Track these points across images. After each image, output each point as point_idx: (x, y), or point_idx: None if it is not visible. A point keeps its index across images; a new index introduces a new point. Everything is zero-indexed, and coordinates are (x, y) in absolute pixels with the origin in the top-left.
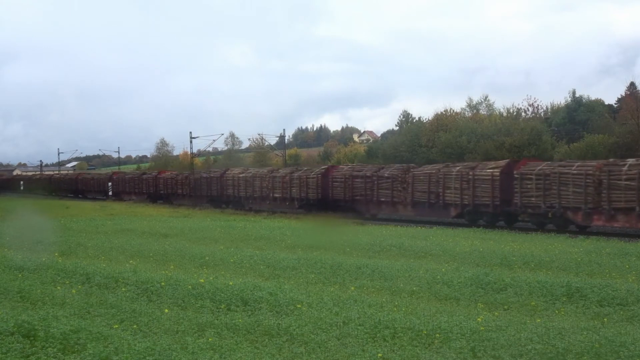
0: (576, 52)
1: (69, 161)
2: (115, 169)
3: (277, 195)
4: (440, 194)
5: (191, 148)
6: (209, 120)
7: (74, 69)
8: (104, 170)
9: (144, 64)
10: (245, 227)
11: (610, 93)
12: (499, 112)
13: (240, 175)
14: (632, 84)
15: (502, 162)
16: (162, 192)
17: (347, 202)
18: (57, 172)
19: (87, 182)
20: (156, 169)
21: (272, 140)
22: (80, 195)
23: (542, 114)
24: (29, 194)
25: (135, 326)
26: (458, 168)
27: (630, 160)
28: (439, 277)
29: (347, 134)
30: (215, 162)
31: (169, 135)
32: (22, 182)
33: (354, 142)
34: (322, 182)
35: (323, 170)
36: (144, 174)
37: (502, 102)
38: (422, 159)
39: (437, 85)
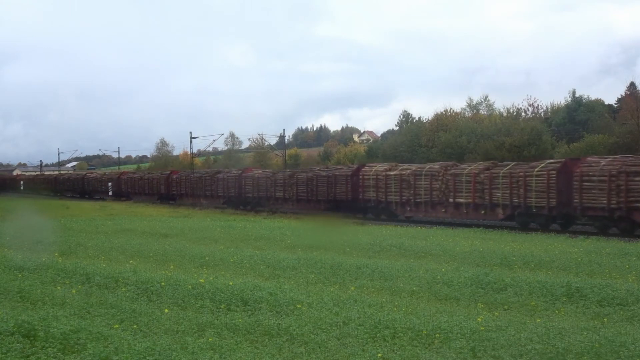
0: (576, 52)
1: (69, 161)
2: (115, 168)
3: (301, 196)
4: (487, 194)
5: (191, 148)
6: (209, 120)
7: (74, 69)
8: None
9: (144, 64)
10: (245, 227)
11: (610, 93)
12: (499, 112)
13: (261, 176)
14: (632, 84)
15: (559, 161)
16: (174, 192)
17: (380, 204)
18: (65, 171)
19: (94, 182)
20: (168, 168)
21: (272, 140)
22: (87, 196)
23: (542, 114)
24: (35, 194)
25: (135, 326)
26: (508, 167)
27: None
28: (439, 277)
29: (347, 134)
30: (215, 162)
31: (169, 135)
32: (22, 182)
33: (354, 142)
34: (352, 182)
35: (353, 168)
36: (151, 173)
37: (502, 102)
38: (422, 159)
39: (437, 85)
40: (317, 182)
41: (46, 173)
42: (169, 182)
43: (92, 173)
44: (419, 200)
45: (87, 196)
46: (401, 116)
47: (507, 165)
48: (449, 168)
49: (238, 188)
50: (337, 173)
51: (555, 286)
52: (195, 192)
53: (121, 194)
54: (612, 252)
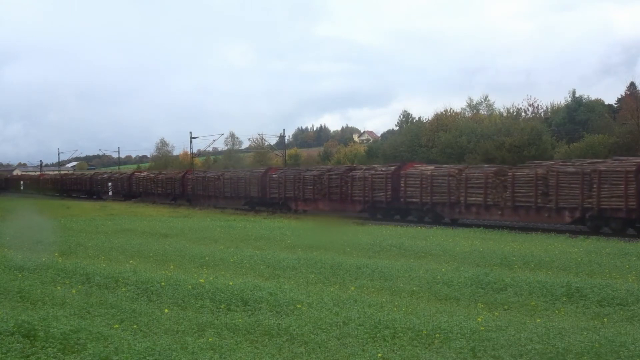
0: (577, 51)
1: (69, 161)
2: (115, 168)
3: (334, 197)
4: (552, 195)
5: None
6: (209, 120)
7: (74, 69)
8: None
9: (144, 64)
10: (245, 227)
11: (611, 93)
12: (499, 112)
13: (288, 174)
14: (632, 84)
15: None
16: (189, 192)
17: (425, 205)
18: (71, 171)
19: (106, 183)
20: (182, 168)
21: (272, 140)
22: (95, 197)
23: (542, 114)
24: (43, 195)
25: (135, 326)
26: (577, 165)
27: None
28: (439, 277)
29: (347, 134)
30: (215, 162)
31: (169, 135)
32: (22, 182)
33: (354, 142)
34: (393, 181)
35: (392, 168)
36: (166, 172)
37: (502, 102)
38: (422, 159)
39: (437, 85)
40: (353, 181)
41: (55, 172)
42: (185, 182)
43: (104, 173)
44: (471, 202)
45: (95, 197)
46: (401, 116)
47: (576, 162)
48: (505, 170)
49: (261, 188)
50: (374, 173)
51: (555, 286)
52: (215, 193)
53: (132, 194)
54: (612, 252)
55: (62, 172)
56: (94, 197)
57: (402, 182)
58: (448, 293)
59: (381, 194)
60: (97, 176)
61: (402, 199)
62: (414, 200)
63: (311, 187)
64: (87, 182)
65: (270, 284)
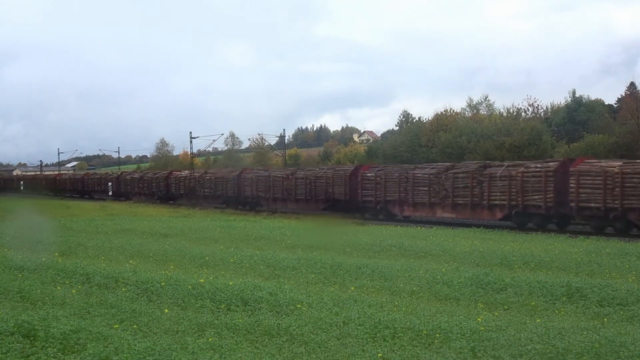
0: (577, 51)
1: (69, 161)
2: (115, 168)
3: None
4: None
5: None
6: (209, 120)
7: (74, 69)
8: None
9: (144, 64)
10: (245, 227)
11: (611, 93)
12: (499, 112)
13: (328, 174)
14: (632, 84)
15: None
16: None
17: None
18: (92, 171)
19: (132, 183)
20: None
21: (272, 140)
22: (122, 198)
23: (542, 114)
24: (61, 196)
25: (135, 326)
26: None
27: None
28: (439, 277)
29: (347, 134)
30: (215, 162)
31: (169, 135)
32: (21, 182)
33: (354, 142)
34: (478, 180)
35: (445, 166)
36: (216, 172)
37: (502, 102)
38: (422, 159)
39: (437, 85)
40: (490, 181)
41: (70, 172)
42: (241, 182)
43: (133, 172)
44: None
45: (123, 198)
46: (401, 116)
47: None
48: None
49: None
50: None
51: (555, 286)
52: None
53: (170, 196)
54: (612, 252)
55: (83, 172)
56: (122, 198)
57: (488, 181)
58: (448, 293)
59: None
60: (125, 176)
61: (486, 201)
62: (499, 203)
63: (370, 188)
64: (113, 183)
65: (270, 284)
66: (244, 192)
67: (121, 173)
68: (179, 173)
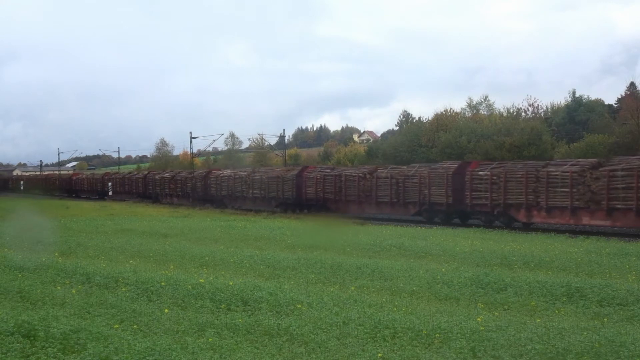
0: (578, 51)
1: (69, 161)
2: (115, 168)
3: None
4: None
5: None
6: (209, 120)
7: (74, 69)
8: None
9: (144, 64)
10: (245, 227)
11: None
12: (499, 112)
13: (423, 172)
14: (632, 84)
15: None
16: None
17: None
18: (116, 171)
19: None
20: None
21: (272, 140)
22: (152, 200)
23: (542, 114)
24: (86, 198)
25: (135, 326)
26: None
27: None
28: (439, 277)
29: (347, 134)
30: (215, 162)
31: (169, 135)
32: (21, 182)
33: (354, 142)
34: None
35: (591, 162)
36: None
37: (503, 102)
38: (422, 159)
39: (437, 85)
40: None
41: (91, 171)
42: (302, 181)
43: (157, 172)
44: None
45: (152, 200)
46: (401, 116)
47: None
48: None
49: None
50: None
51: (555, 286)
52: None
53: (209, 198)
54: (612, 252)
55: (105, 171)
56: (152, 200)
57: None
58: (448, 293)
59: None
60: (153, 175)
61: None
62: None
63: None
64: (139, 183)
65: (270, 284)
66: (307, 193)
67: (148, 172)
68: (220, 172)
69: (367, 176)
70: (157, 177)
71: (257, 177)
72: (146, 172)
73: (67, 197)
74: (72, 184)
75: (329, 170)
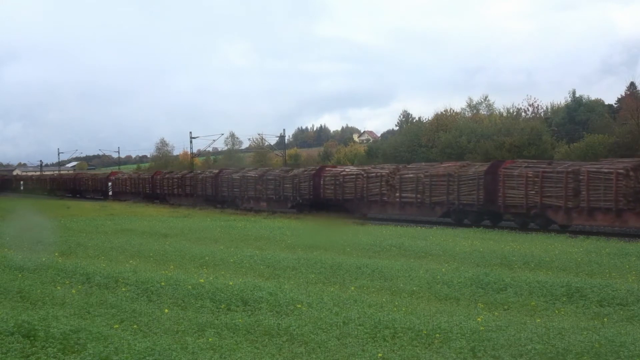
0: (578, 51)
1: (69, 161)
2: (115, 168)
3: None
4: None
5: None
6: (209, 120)
7: (74, 69)
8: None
9: (144, 64)
10: (245, 227)
11: (612, 92)
12: (499, 112)
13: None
14: (632, 84)
15: None
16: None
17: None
18: (136, 171)
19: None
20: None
21: (272, 140)
22: (219, 206)
23: (542, 114)
24: (134, 199)
25: (135, 326)
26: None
27: None
28: (439, 277)
29: (347, 134)
30: (215, 162)
31: (169, 135)
32: (21, 182)
33: (354, 142)
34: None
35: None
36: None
37: (503, 102)
38: (422, 159)
39: (437, 85)
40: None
41: (134, 171)
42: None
43: (234, 171)
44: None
45: (219, 206)
46: (401, 116)
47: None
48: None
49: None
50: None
51: (555, 286)
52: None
53: (221, 200)
54: (612, 252)
55: (144, 170)
56: (218, 206)
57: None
58: (448, 293)
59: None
60: (226, 175)
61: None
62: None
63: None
64: (207, 184)
65: (270, 284)
66: (325, 193)
67: (191, 172)
68: (237, 171)
69: (392, 175)
70: (225, 176)
71: (271, 177)
72: (189, 172)
73: (103, 198)
74: (98, 184)
75: (350, 170)
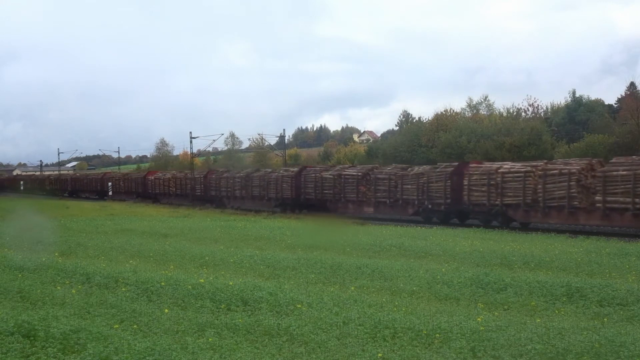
0: (578, 51)
1: (69, 161)
2: (115, 168)
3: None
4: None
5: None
6: (209, 120)
7: (74, 69)
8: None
9: (144, 64)
10: (245, 227)
11: (612, 92)
12: (499, 112)
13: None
14: (632, 84)
15: None
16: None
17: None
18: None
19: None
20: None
21: (272, 140)
22: (209, 205)
23: (542, 114)
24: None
25: (135, 326)
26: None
27: None
28: (439, 277)
29: (347, 134)
30: (215, 162)
31: (169, 135)
32: (21, 182)
33: (354, 142)
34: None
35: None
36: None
37: (503, 102)
38: (422, 159)
39: (437, 85)
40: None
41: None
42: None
43: (222, 172)
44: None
45: (209, 205)
46: (401, 116)
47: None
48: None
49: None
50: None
51: (555, 286)
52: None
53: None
54: (612, 252)
55: (184, 174)
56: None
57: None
58: (448, 293)
59: None
60: (278, 174)
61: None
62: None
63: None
64: (262, 183)
65: (270, 284)
66: (377, 192)
67: (216, 172)
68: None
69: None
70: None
71: (312, 176)
72: (217, 172)
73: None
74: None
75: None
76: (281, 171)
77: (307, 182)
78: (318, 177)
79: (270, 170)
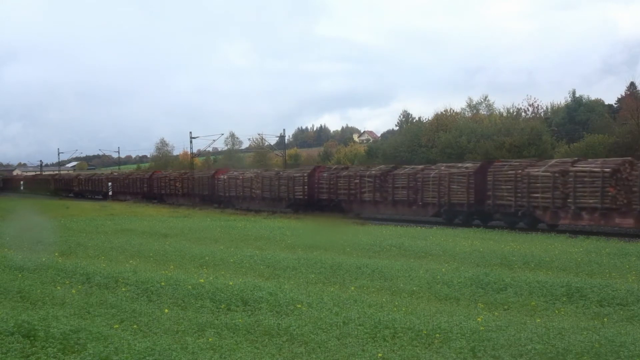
0: (578, 51)
1: (69, 161)
2: (115, 168)
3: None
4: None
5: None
6: (209, 120)
7: (74, 69)
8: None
9: (144, 64)
10: (245, 227)
11: (612, 92)
12: (499, 112)
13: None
14: (632, 84)
15: None
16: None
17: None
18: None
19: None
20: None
21: (272, 140)
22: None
23: (542, 114)
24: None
25: (135, 326)
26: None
27: None
28: (439, 277)
29: (347, 134)
30: (215, 162)
31: (169, 135)
32: (22, 182)
33: (354, 142)
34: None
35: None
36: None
37: (503, 102)
38: (422, 159)
39: (437, 85)
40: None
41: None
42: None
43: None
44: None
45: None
46: (401, 116)
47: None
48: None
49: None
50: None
51: (555, 286)
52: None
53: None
54: (612, 252)
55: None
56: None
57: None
58: (448, 293)
59: None
60: (289, 175)
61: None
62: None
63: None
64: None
65: (270, 284)
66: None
67: (153, 173)
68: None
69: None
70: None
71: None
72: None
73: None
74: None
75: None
76: (292, 171)
77: (320, 182)
78: (333, 177)
79: (279, 170)
